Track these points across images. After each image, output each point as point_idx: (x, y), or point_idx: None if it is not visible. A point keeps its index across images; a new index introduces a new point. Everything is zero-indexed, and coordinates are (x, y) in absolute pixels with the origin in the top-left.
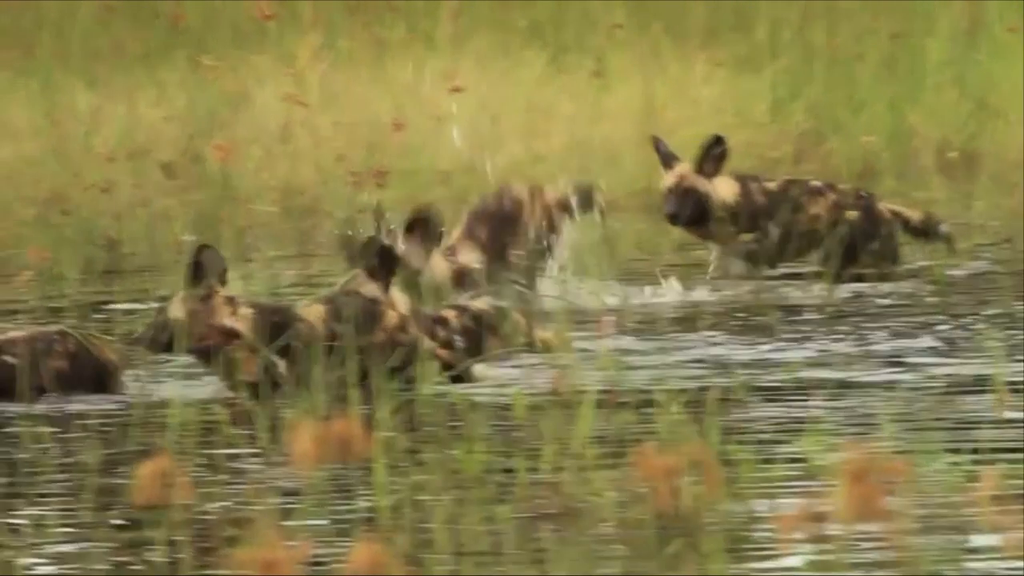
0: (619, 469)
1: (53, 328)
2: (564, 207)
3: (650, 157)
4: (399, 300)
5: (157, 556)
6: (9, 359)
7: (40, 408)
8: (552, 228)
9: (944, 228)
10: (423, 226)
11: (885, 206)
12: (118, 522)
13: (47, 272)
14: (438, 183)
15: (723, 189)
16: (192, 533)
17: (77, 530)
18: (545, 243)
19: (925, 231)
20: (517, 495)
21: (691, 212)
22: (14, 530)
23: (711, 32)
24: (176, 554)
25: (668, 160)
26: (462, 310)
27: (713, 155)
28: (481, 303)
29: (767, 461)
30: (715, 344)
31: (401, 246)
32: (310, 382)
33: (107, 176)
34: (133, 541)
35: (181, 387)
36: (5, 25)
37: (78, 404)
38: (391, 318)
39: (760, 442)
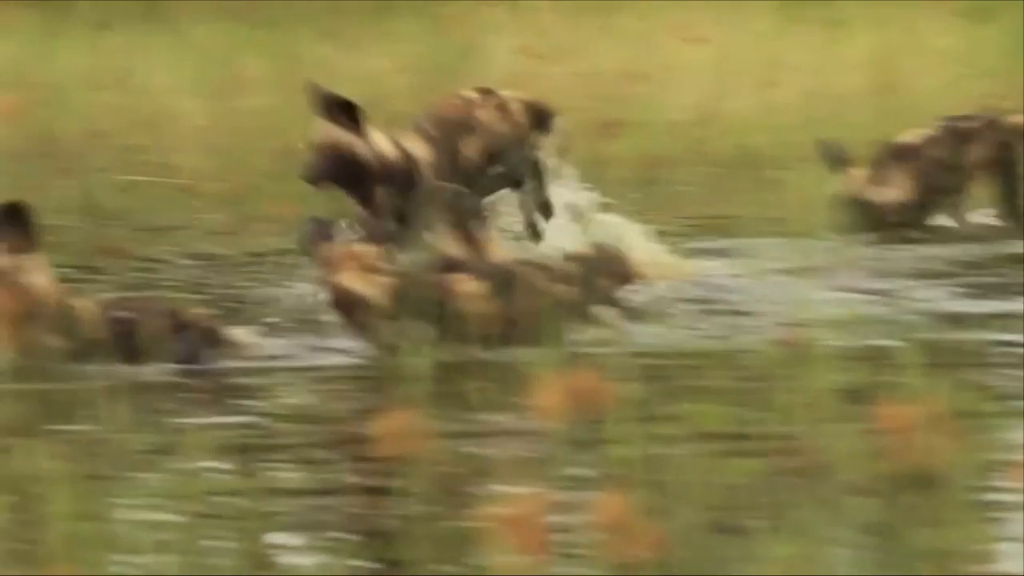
0: (858, 423)
1: (147, 296)
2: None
3: (883, 108)
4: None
5: (401, 509)
6: (125, 315)
7: (277, 362)
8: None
9: None
10: (347, 110)
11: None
12: (362, 475)
13: (285, 223)
14: (670, 134)
15: (889, 195)
16: (437, 486)
17: (321, 483)
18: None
19: None
20: (756, 449)
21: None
22: (260, 487)
23: None
24: (420, 507)
25: (836, 164)
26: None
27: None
28: (583, 247)
29: (1007, 417)
30: (951, 297)
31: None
32: (548, 338)
33: None
34: (376, 495)
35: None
36: None
37: (319, 357)
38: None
39: (999, 397)
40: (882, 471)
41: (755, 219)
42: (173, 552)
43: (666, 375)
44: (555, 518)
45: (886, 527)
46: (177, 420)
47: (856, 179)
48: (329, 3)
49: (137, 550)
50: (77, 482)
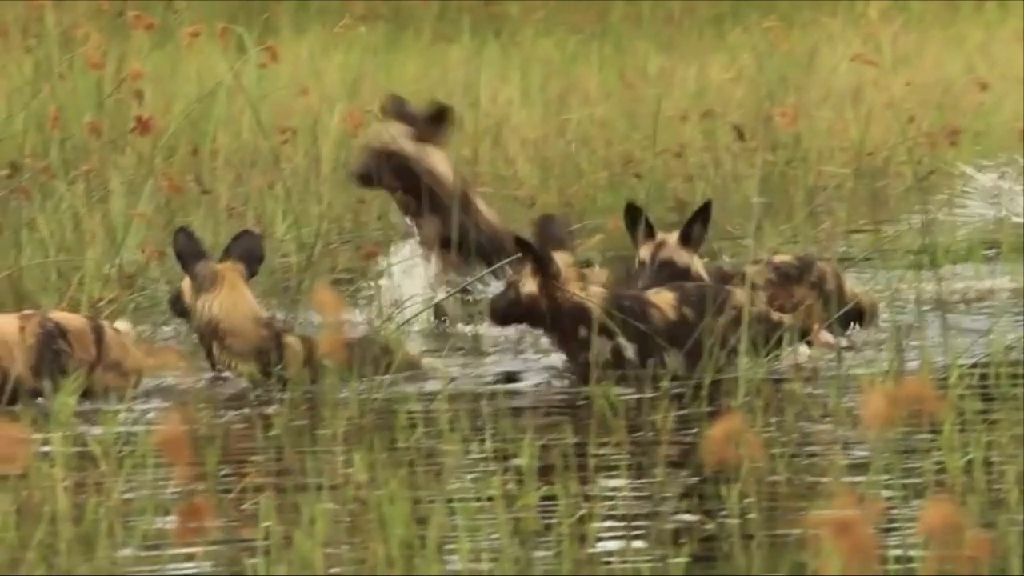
0: None
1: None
2: None
3: None
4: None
5: (728, 517)
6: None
7: (611, 373)
8: None
9: None
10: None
11: None
12: (690, 484)
13: (617, 235)
14: (1013, 142)
15: None
16: (763, 494)
17: (649, 493)
18: None
19: None
20: None
21: None
22: (587, 496)
23: None
24: (747, 515)
25: None
26: (767, 264)
27: None
28: (784, 256)
29: None
30: None
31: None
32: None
33: (678, 138)
34: (704, 503)
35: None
36: None
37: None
38: (738, 295)
39: None
40: None
41: None
42: (503, 561)
43: (991, 384)
44: (883, 526)
45: None
46: (498, 433)
47: None
48: (667, 15)
49: (468, 559)
50: (410, 493)
